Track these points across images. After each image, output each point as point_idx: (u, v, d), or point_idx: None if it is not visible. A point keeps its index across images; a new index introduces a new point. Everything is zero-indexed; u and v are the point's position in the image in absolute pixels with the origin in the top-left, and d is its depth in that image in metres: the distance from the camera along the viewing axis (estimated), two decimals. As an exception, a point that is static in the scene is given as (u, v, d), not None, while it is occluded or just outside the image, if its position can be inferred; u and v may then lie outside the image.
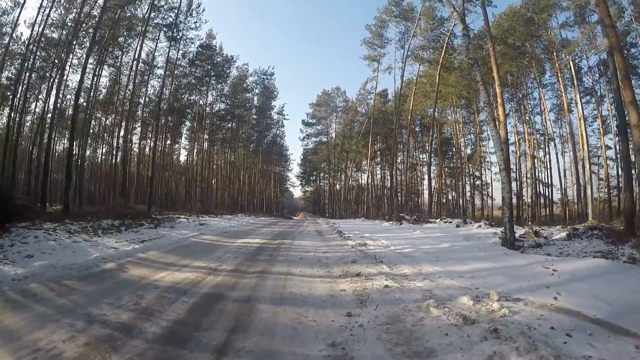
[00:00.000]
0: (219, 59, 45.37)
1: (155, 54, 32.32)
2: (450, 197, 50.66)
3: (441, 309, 4.37)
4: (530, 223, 21.08)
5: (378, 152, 59.31)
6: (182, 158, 56.34)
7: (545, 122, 35.76)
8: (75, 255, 7.74)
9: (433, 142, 37.44)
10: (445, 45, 31.87)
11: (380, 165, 63.64)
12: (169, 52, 31.51)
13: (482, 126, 42.24)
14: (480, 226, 17.18)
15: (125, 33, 31.54)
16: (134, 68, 29.76)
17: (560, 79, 31.01)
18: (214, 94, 48.61)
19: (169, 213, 30.18)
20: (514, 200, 35.10)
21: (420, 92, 38.37)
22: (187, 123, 48.70)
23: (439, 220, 22.15)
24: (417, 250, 9.77)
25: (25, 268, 6.35)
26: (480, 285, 5.78)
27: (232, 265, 7.73)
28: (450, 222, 20.23)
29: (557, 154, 35.07)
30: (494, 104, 13.09)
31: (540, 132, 36.53)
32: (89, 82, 31.61)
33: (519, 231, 12.82)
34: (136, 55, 29.09)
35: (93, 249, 8.76)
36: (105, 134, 41.17)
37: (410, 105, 36.62)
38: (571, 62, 26.65)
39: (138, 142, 44.19)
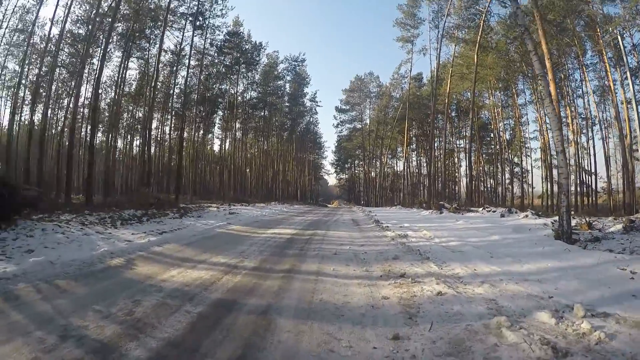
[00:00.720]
0: (247, 46, 44.54)
1: (183, 44, 31.80)
2: (488, 185, 48.61)
3: (517, 332, 3.24)
4: (572, 213, 19.41)
5: (414, 139, 57.53)
6: (216, 148, 56.19)
7: (589, 105, 33.51)
8: (81, 250, 6.94)
9: (472, 127, 35.59)
10: (482, 23, 29.92)
11: (415, 152, 62.00)
12: (192, 39, 30.73)
13: (522, 109, 40.55)
14: (527, 216, 15.74)
15: (151, 24, 31.09)
16: (157, 58, 29.11)
17: (605, 58, 28.69)
18: (244, 82, 48.01)
19: (201, 202, 29.90)
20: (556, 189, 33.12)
21: (457, 74, 36.45)
22: (220, 112, 48.07)
23: (481, 209, 20.67)
24: (465, 244, 8.63)
25: (19, 265, 5.58)
26: (554, 293, 4.61)
27: (256, 262, 6.79)
28: (494, 212, 18.76)
29: (602, 139, 32.54)
30: (547, 78, 11.52)
31: (583, 116, 34.19)
32: (118, 76, 31.76)
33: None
34: (160, 45, 28.49)
35: (104, 242, 7.97)
36: (138, 126, 41.26)
37: (447, 89, 34.89)
38: (619, 37, 24.61)
39: (169, 133, 44.00)
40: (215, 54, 39.90)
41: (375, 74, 65.59)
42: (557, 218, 13.33)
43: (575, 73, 33.99)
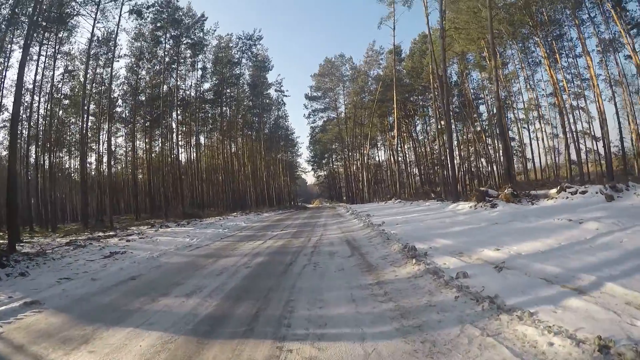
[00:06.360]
0: (188, 21, 35.83)
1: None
2: (479, 165, 44.10)
3: None
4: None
5: (394, 123, 50.87)
6: (182, 157, 48.25)
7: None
8: None
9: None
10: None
11: (396, 138, 54.90)
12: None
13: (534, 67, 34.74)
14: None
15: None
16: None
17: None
18: (195, 74, 40.14)
19: (134, 225, 23.06)
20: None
21: (451, 29, 29.27)
22: (174, 115, 39.40)
23: (554, 191, 12.43)
24: None
25: None
26: None
27: None
28: (584, 193, 11.00)
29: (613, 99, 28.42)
30: None
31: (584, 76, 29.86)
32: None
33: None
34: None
35: None
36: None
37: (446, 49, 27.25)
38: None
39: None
40: (149, 36, 32.11)
41: (347, 55, 59.12)
42: None
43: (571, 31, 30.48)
